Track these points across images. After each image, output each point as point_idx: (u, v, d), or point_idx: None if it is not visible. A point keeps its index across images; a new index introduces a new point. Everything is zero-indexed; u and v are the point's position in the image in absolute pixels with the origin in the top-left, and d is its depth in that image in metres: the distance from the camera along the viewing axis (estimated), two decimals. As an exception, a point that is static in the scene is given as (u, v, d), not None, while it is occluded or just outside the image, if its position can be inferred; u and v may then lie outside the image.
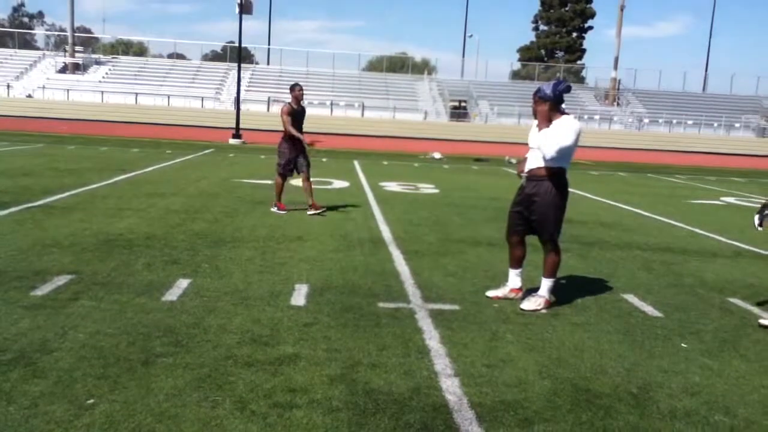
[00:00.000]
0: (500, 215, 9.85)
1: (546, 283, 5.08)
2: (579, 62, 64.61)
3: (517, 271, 5.28)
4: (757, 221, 5.12)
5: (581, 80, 56.00)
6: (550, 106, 4.88)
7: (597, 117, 43.30)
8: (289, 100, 9.01)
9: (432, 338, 4.24)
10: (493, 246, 7.44)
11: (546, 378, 3.69)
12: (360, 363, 3.76)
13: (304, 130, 9.09)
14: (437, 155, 23.24)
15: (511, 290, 5.26)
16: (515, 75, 58.34)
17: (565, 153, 4.86)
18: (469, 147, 30.04)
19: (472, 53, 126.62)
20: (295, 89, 8.94)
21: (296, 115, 8.91)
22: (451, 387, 3.50)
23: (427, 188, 13.34)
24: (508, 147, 29.42)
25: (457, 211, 10.22)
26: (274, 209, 9.17)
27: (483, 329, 4.48)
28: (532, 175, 5.00)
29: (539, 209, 4.98)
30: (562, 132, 4.80)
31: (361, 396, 3.32)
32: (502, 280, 5.46)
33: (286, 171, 9.05)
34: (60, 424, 2.87)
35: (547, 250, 5.11)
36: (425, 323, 4.54)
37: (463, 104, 44.41)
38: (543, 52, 66.19)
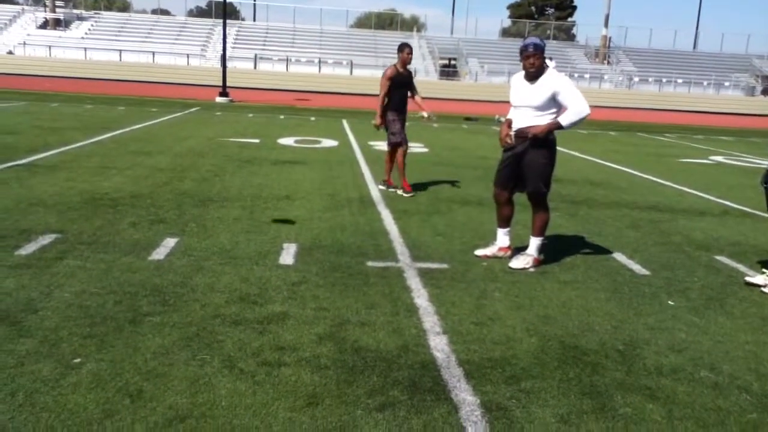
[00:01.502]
0: (489, 174, 9.80)
1: (534, 242, 5.08)
2: (569, 19, 63.91)
3: (506, 230, 5.27)
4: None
5: (572, 38, 55.55)
6: (542, 60, 4.80)
7: (587, 75, 43.02)
8: (396, 62, 7.86)
9: (420, 297, 4.24)
10: (482, 205, 7.42)
11: (533, 335, 3.71)
12: (348, 321, 3.76)
13: (422, 96, 8.17)
14: (426, 114, 23.07)
15: (500, 249, 5.26)
16: (505, 32, 57.67)
17: (583, 101, 4.79)
18: (459, 106, 29.81)
19: (462, 10, 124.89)
20: (404, 50, 7.71)
21: (399, 80, 7.73)
22: (439, 344, 3.51)
23: (417, 147, 13.25)
24: (498, 106, 29.22)
25: (446, 170, 10.17)
26: (382, 187, 8.09)
27: (471, 287, 4.49)
28: (523, 133, 4.93)
29: (531, 165, 4.93)
30: (567, 86, 4.75)
31: (349, 354, 3.33)
32: (491, 238, 5.45)
33: (403, 139, 7.91)
34: (46, 383, 2.85)
35: (536, 209, 5.09)
36: (414, 282, 4.53)
37: (452, 62, 43.94)
38: (533, 8, 65.38)
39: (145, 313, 3.71)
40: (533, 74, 4.82)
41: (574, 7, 66.35)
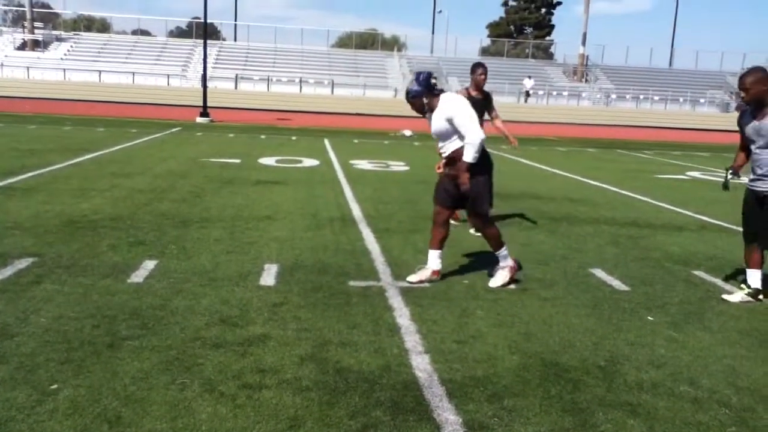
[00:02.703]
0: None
1: (500, 255, 5.05)
2: (548, 38, 64.83)
3: (439, 252, 5.12)
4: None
5: (550, 56, 56.29)
6: (426, 97, 4.86)
7: (565, 93, 43.55)
8: (468, 85, 7.16)
9: (402, 316, 4.24)
10: (463, 223, 7.45)
11: (515, 353, 3.72)
12: (330, 342, 3.74)
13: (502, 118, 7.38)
14: (408, 132, 23.16)
15: (433, 272, 5.07)
16: (485, 51, 58.27)
17: (475, 127, 4.77)
18: (440, 124, 30.03)
19: (442, 30, 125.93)
20: (476, 71, 6.98)
21: (473, 104, 6.57)
22: (421, 364, 3.50)
23: (398, 166, 13.31)
24: (478, 124, 29.47)
25: (427, 188, 10.20)
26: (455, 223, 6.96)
27: (453, 306, 4.50)
28: (452, 159, 4.94)
29: (469, 189, 4.91)
30: (459, 113, 4.77)
31: (331, 375, 3.31)
32: (473, 255, 5.48)
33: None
34: (22, 411, 2.80)
35: (481, 229, 5.10)
36: (396, 301, 4.53)
37: (433, 81, 44.28)
38: (512, 28, 66.26)
39: (124, 337, 3.66)
40: (429, 111, 4.91)
41: (552, 26, 67.37)
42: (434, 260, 5.10)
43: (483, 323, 4.18)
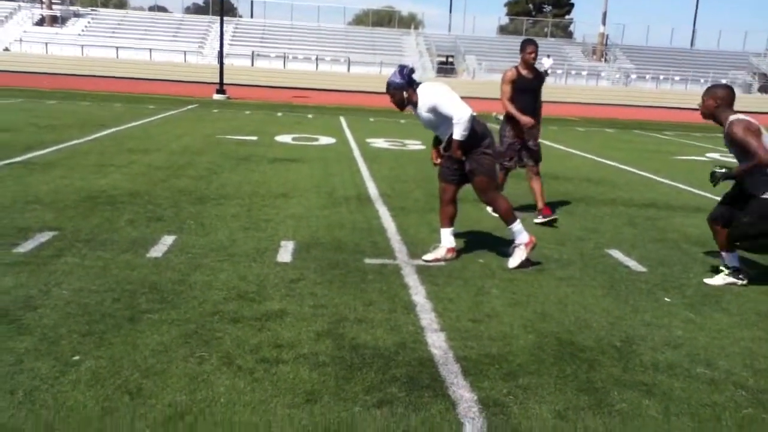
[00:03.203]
0: (487, 171, 9.84)
1: (513, 229, 4.99)
2: (567, 17, 63.89)
3: (450, 230, 5.12)
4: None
5: (569, 35, 55.51)
6: (407, 91, 4.82)
7: (584, 73, 43.02)
8: (517, 63, 6.69)
9: (418, 294, 4.26)
10: (478, 202, 7.41)
11: (531, 332, 3.73)
12: (346, 318, 3.77)
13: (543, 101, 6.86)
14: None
15: (447, 250, 5.07)
16: (503, 30, 57.67)
17: (457, 106, 4.71)
18: (456, 103, 29.82)
19: (459, 8, 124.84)
20: (525, 49, 6.46)
21: (522, 84, 6.57)
22: (436, 341, 3.52)
23: (415, 145, 13.27)
24: (495, 103, 29.26)
25: (443, 167, 10.17)
26: (541, 220, 6.48)
27: (468, 284, 4.51)
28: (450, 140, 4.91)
29: (472, 171, 4.91)
30: (438, 99, 4.74)
31: (347, 351, 3.34)
32: (488, 235, 5.47)
33: (505, 161, 6.73)
34: (45, 381, 2.86)
35: (491, 204, 5.09)
36: (411, 279, 4.55)
37: (450, 59, 43.91)
38: (531, 6, 65.35)
39: (144, 311, 3.71)
40: (413, 105, 4.87)
41: (572, 5, 66.35)
42: (447, 238, 5.10)
43: (498, 302, 4.19)
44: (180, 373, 3.01)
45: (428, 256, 5.04)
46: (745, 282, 4.80)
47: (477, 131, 4.85)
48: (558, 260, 5.23)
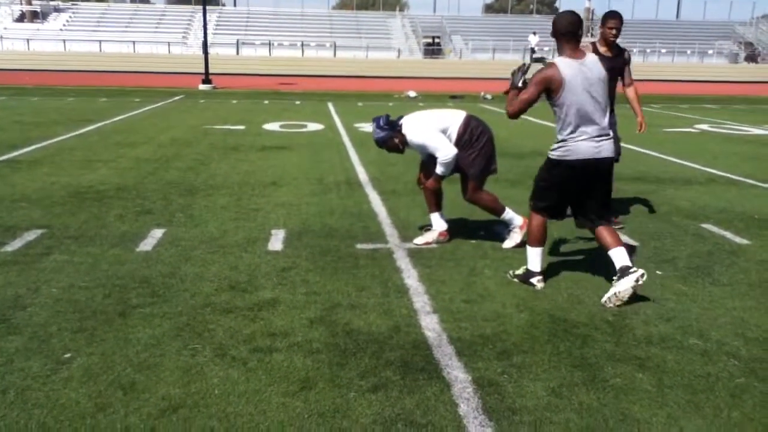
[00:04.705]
0: (476, 152, 9.81)
1: (505, 218, 5.02)
2: (552, -7, 63.53)
3: (439, 213, 5.10)
4: (519, 82, 4.14)
5: (555, 11, 55.20)
6: (396, 136, 4.87)
7: (571, 49, 42.83)
8: (596, 39, 5.74)
9: (410, 277, 4.25)
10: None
11: (523, 311, 3.73)
12: (339, 305, 3.76)
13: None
14: (412, 94, 22.93)
15: (440, 234, 5.04)
16: (488, 8, 57.35)
17: (443, 146, 4.73)
18: (444, 84, 29.68)
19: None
20: (607, 23, 5.44)
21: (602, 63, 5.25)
22: (430, 324, 3.52)
23: (403, 127, 13.20)
24: (483, 83, 29.13)
25: (433, 149, 10.14)
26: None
27: (461, 266, 4.50)
28: None
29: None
30: (424, 139, 4.79)
31: (341, 337, 3.34)
32: (479, 216, 5.45)
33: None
34: (37, 380, 2.84)
35: (476, 203, 5.04)
36: (403, 262, 4.54)
37: (436, 41, 43.69)
38: (516, -17, 64.86)
39: (135, 305, 3.69)
40: (403, 144, 4.92)
41: (557, -20, 65.97)
42: (438, 222, 5.09)
43: (491, 282, 4.19)
44: (173, 367, 2.99)
45: (419, 240, 5.03)
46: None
47: (471, 138, 4.84)
48: (549, 237, 5.21)
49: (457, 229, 5.37)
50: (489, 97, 22.58)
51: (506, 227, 5.12)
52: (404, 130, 4.87)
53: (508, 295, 3.97)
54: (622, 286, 3.78)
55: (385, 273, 4.32)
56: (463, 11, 50.12)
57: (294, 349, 3.20)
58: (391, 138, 4.89)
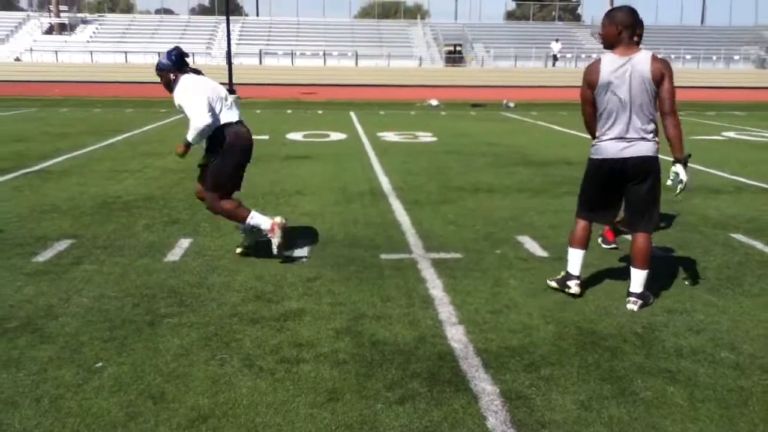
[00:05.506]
0: (499, 161, 9.80)
1: (250, 223, 4.75)
2: (574, 0, 63.25)
3: (250, 212, 4.77)
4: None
5: (577, 18, 55.06)
6: (174, 74, 4.68)
7: (594, 56, 42.34)
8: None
9: (435, 287, 4.24)
10: (492, 192, 7.40)
11: (550, 322, 3.70)
12: (365, 315, 3.77)
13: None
14: (434, 102, 22.96)
15: (273, 225, 4.66)
16: (510, 16, 57.26)
17: (201, 114, 4.55)
18: (466, 92, 29.67)
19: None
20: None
21: None
22: (456, 335, 3.51)
23: (425, 137, 13.22)
24: (505, 90, 29.06)
25: (456, 158, 10.14)
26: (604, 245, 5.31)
27: (486, 276, 4.48)
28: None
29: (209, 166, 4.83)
30: (183, 97, 4.61)
31: (367, 348, 3.34)
32: (502, 226, 5.43)
33: None
34: (69, 389, 2.89)
35: (211, 209, 4.90)
36: (428, 273, 4.53)
37: (458, 48, 43.69)
38: (538, -10, 64.68)
39: (164, 315, 3.74)
40: (169, 89, 4.72)
41: (579, -13, 65.67)
42: (261, 219, 4.74)
43: (517, 293, 4.17)
44: (202, 376, 3.02)
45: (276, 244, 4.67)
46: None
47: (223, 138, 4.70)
48: (575, 248, 5.18)
49: (481, 239, 5.36)
50: (512, 105, 22.50)
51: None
52: (181, 80, 4.67)
53: (534, 306, 3.94)
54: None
55: (409, 283, 4.32)
56: (484, 19, 50.23)
57: (320, 359, 3.21)
58: (168, 72, 4.67)
